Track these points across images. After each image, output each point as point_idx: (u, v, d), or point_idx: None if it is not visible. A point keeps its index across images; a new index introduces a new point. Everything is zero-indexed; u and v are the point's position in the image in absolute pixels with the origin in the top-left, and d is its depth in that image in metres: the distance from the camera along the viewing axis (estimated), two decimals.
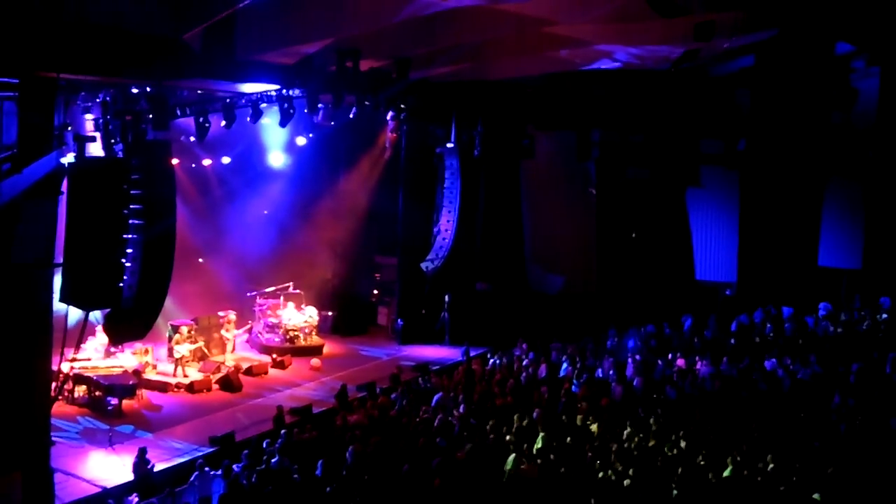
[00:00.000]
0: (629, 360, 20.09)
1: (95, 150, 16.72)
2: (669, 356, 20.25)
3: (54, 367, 15.61)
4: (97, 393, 18.96)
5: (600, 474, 13.82)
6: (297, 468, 14.51)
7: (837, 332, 20.56)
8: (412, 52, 19.60)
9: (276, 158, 25.09)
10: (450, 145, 24.82)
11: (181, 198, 18.72)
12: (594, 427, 16.10)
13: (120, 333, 17.06)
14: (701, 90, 25.03)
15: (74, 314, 16.65)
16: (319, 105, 19.61)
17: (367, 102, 20.46)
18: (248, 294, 24.93)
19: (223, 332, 23.09)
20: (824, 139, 23.65)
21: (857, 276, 23.82)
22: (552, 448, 15.04)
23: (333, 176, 27.00)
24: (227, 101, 18.69)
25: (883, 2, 20.15)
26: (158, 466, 15.51)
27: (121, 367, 19.97)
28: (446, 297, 25.70)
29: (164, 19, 15.43)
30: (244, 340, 24.45)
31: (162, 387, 20.31)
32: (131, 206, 15.26)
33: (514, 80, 23.77)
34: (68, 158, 15.34)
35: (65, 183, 14.53)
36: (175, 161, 18.40)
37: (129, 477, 15.15)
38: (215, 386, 20.72)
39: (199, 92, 19.32)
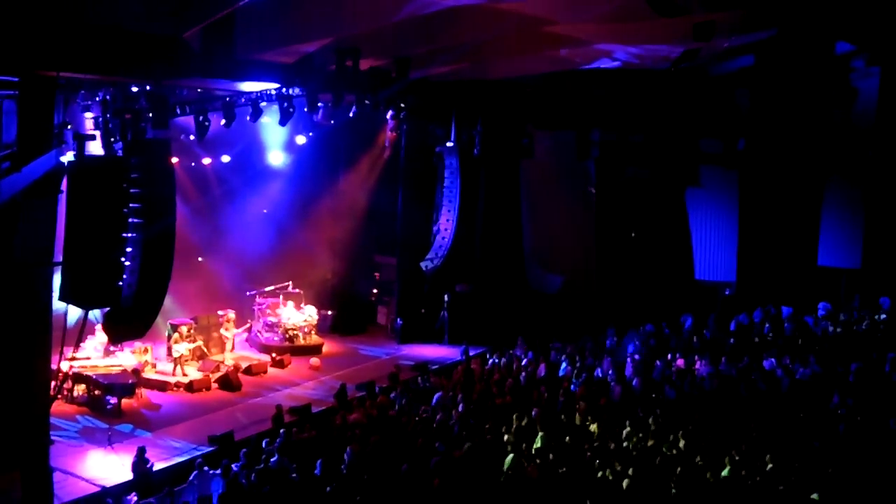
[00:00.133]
0: (628, 359, 20.11)
1: (95, 148, 16.72)
2: (668, 356, 20.26)
3: (54, 366, 15.66)
4: (96, 392, 18.96)
5: (599, 474, 13.84)
6: (296, 467, 14.52)
7: (837, 332, 20.59)
8: (412, 52, 19.58)
9: (276, 157, 25.02)
10: (449, 144, 24.82)
11: (181, 197, 18.70)
12: (593, 427, 16.11)
13: (119, 332, 17.00)
14: (700, 90, 25.00)
15: (74, 313, 16.67)
16: (319, 104, 19.60)
17: (366, 101, 20.45)
18: (248, 293, 24.91)
19: (222, 331, 23.09)
20: (824, 139, 23.68)
21: (857, 276, 23.82)
22: (551, 448, 15.06)
23: (333, 175, 26.98)
24: (227, 99, 18.69)
25: (883, 2, 20.15)
26: (157, 465, 15.53)
27: (120, 366, 19.99)
28: (445, 297, 25.70)
29: (163, 18, 15.42)
30: (243, 339, 24.42)
31: (161, 386, 20.31)
32: (131, 205, 15.19)
33: (513, 80, 23.74)
34: (68, 157, 15.30)
35: (64, 181, 14.55)
36: (175, 160, 18.33)
37: (128, 476, 15.15)
38: (214, 385, 20.72)
39: (198, 91, 19.31)
